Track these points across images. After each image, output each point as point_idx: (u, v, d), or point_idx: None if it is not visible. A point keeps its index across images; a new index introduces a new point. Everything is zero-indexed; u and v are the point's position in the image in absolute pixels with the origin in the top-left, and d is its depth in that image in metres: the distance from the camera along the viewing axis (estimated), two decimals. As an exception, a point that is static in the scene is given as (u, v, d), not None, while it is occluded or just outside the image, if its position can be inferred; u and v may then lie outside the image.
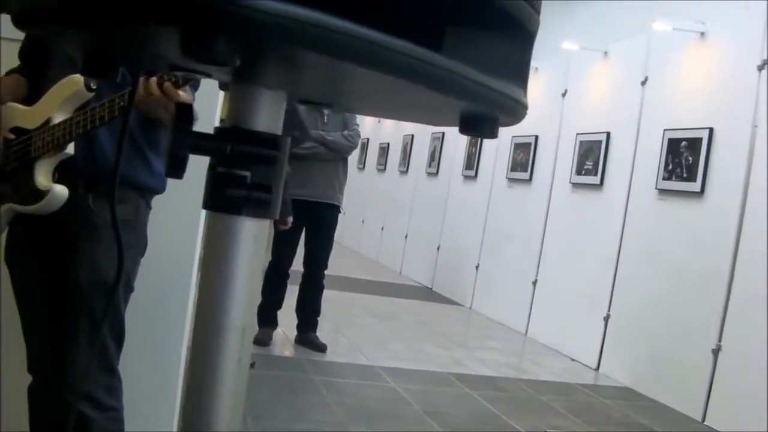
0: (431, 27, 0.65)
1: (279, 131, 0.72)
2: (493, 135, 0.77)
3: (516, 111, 0.77)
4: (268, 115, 0.71)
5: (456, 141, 11.39)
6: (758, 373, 5.44)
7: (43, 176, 2.38)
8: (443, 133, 11.88)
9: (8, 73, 2.60)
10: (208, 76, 0.75)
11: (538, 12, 0.76)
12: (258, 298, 0.75)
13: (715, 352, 5.85)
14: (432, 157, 12.32)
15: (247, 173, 0.70)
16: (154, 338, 3.08)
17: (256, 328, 6.37)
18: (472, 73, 0.68)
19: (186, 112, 0.64)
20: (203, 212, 3.58)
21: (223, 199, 0.71)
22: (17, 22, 0.67)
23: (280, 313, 6.50)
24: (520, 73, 0.77)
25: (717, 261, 5.97)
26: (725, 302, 5.86)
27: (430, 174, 12.36)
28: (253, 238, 0.72)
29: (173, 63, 0.74)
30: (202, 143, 0.70)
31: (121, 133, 1.06)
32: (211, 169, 0.71)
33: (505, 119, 0.78)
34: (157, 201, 2.64)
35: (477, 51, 0.69)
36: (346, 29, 0.56)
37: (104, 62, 0.73)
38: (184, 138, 0.70)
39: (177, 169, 0.70)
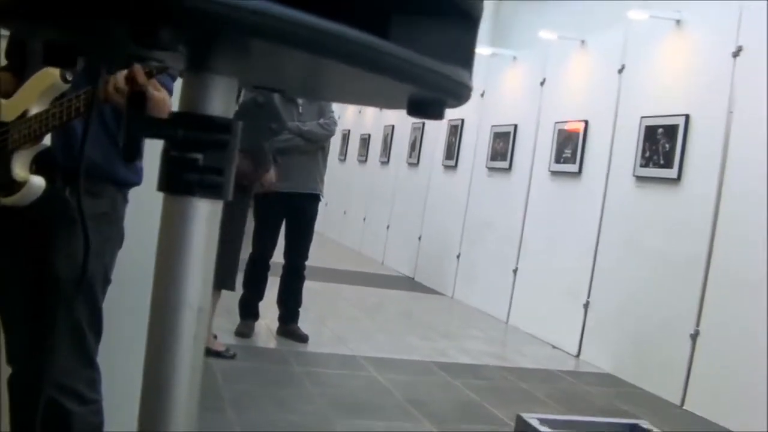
0: (377, 14, 0.67)
1: (230, 116, 0.75)
2: (439, 117, 0.80)
3: (461, 93, 0.80)
4: (220, 100, 0.73)
5: (437, 131, 11.42)
6: (736, 357, 5.51)
7: (20, 168, 2.39)
8: (423, 124, 11.91)
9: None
10: (162, 63, 0.77)
11: None
12: (211, 278, 0.77)
13: (694, 337, 5.91)
14: (413, 148, 12.35)
15: (199, 156, 0.72)
16: (131, 329, 3.09)
17: (240, 321, 6.40)
18: (419, 59, 0.71)
19: (139, 98, 0.66)
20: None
21: (176, 182, 0.73)
22: None
23: (261, 305, 6.52)
24: (465, 57, 0.80)
25: (694, 247, 6.03)
26: (703, 288, 5.92)
27: (410, 164, 12.39)
28: (206, 219, 0.74)
29: (128, 51, 0.77)
30: (154, 128, 0.73)
31: (85, 125, 1.08)
32: (165, 153, 0.74)
33: (452, 102, 0.81)
34: (133, 192, 2.65)
35: (423, 37, 0.72)
36: (288, 16, 0.59)
37: (63, 51, 0.75)
38: (137, 123, 0.72)
39: (131, 154, 0.72)
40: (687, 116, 6.33)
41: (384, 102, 0.92)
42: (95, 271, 2.43)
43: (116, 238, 2.58)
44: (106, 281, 2.57)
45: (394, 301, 9.43)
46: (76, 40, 0.73)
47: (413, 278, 11.40)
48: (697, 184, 6.17)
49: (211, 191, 0.73)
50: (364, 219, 14.06)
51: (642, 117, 6.83)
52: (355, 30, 0.64)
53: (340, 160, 15.93)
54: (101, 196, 2.47)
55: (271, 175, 5.97)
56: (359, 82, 0.75)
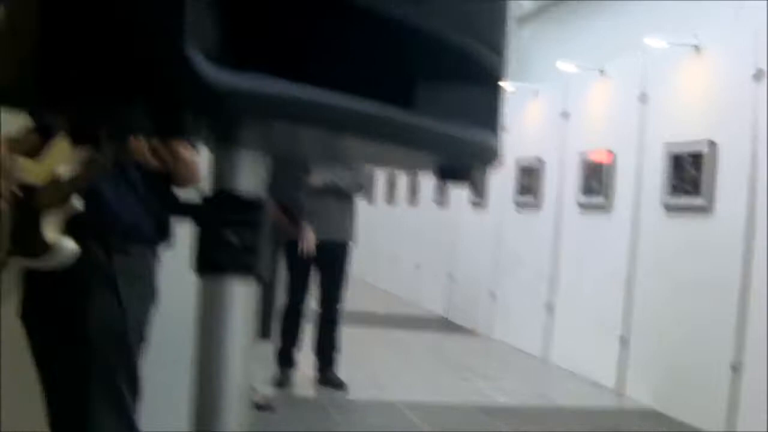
0: (401, 81, 0.68)
1: (261, 191, 0.76)
2: (467, 180, 0.80)
3: (487, 158, 0.81)
4: (249, 175, 0.75)
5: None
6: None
7: (50, 230, 2.42)
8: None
9: (29, 131, 2.64)
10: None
11: (501, 54, 0.80)
12: (249, 352, 0.78)
13: (735, 368, 5.80)
14: (440, 186, 12.34)
15: (233, 235, 0.73)
16: (168, 388, 3.09)
17: (277, 370, 6.39)
18: (443, 128, 0.72)
19: (166, 179, 0.67)
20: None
21: (210, 263, 0.74)
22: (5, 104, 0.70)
23: (298, 353, 6.50)
24: (491, 118, 0.81)
25: (729, 275, 5.94)
26: (741, 316, 5.82)
27: (439, 203, 12.38)
28: (242, 295, 0.75)
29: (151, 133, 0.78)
30: (184, 209, 0.74)
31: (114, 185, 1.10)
32: (198, 232, 0.75)
33: (478, 165, 0.81)
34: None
35: (447, 101, 0.72)
36: (308, 99, 0.60)
37: (87, 131, 0.77)
38: (168, 205, 0.73)
39: (164, 235, 0.74)
40: (712, 141, 6.29)
41: (411, 168, 0.93)
42: (130, 330, 2.45)
43: (150, 296, 2.60)
44: (142, 339, 2.59)
45: (429, 343, 9.38)
46: (95, 122, 0.74)
47: (447, 318, 11.33)
48: (727, 209, 6.11)
49: (245, 270, 0.74)
50: (394, 260, 14.03)
51: (666, 143, 6.80)
52: (376, 104, 0.65)
53: (369, 201, 15.89)
54: (133, 255, 2.49)
55: (308, 230, 6.00)
56: (385, 152, 0.76)
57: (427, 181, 12.89)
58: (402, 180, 14.34)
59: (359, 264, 13.36)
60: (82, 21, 0.57)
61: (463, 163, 0.78)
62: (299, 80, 0.60)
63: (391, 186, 14.99)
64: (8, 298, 2.58)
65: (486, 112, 0.80)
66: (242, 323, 0.75)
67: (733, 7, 6.46)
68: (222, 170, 0.74)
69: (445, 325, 10.91)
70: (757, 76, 5.90)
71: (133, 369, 2.53)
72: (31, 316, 2.56)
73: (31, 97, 0.63)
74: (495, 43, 0.80)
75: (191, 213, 0.74)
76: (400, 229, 14.02)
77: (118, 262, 2.07)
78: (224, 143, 0.73)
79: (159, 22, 0.55)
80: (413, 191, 13.65)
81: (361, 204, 6.92)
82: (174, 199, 0.66)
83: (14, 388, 2.68)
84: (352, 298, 7.92)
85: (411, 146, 0.69)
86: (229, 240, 0.73)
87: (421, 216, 13.08)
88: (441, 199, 12.25)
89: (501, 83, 0.82)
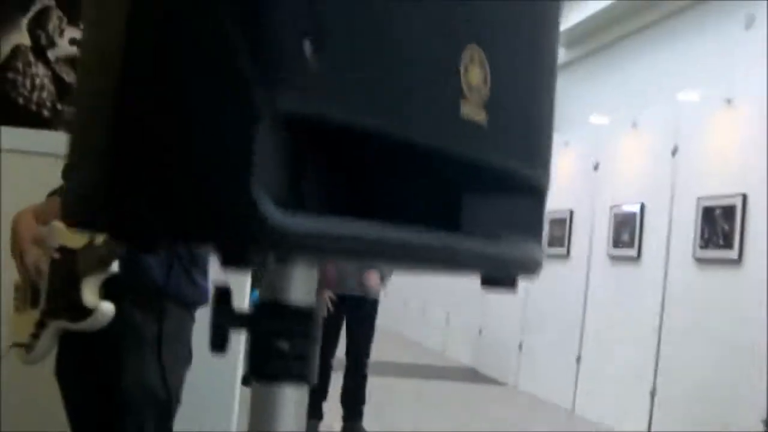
0: (449, 210, 0.72)
1: (312, 302, 0.78)
2: (513, 288, 0.83)
3: (530, 268, 0.83)
4: (301, 288, 0.77)
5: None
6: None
7: (89, 294, 2.44)
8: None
9: (51, 194, 2.68)
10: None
11: (545, 167, 0.83)
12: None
13: (766, 423, 5.75)
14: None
15: (285, 345, 0.75)
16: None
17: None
18: (487, 248, 0.75)
19: (224, 294, 0.70)
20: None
21: (264, 371, 0.77)
22: (71, 224, 0.73)
23: (325, 405, 6.50)
24: (533, 229, 0.84)
25: (760, 330, 5.89)
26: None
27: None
28: (294, 403, 0.77)
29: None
30: (239, 320, 0.76)
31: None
32: (250, 341, 0.77)
33: (522, 275, 0.84)
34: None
35: (492, 220, 0.75)
36: (368, 237, 0.63)
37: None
38: (224, 316, 0.76)
39: (220, 345, 0.76)
40: (744, 195, 6.27)
41: (459, 275, 0.97)
42: (166, 392, 2.46)
43: (185, 358, 2.61)
44: (176, 401, 2.60)
45: (457, 394, 9.33)
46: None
47: (475, 369, 11.27)
48: (759, 263, 6.07)
49: (298, 378, 0.76)
50: (423, 310, 14.01)
51: (698, 198, 6.78)
52: (426, 232, 0.68)
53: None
54: (169, 317, 2.51)
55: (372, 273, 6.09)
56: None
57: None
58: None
59: (387, 313, 13.39)
60: (157, 156, 0.61)
61: (505, 277, 0.81)
62: (359, 218, 0.64)
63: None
64: (46, 356, 2.61)
65: (532, 222, 0.83)
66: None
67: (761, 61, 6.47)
68: (275, 282, 0.77)
69: (473, 376, 10.85)
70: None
71: (166, 430, 2.55)
72: (67, 374, 2.59)
73: (98, 224, 0.66)
74: (538, 158, 0.83)
75: (244, 322, 0.76)
76: (429, 280, 14.01)
77: (155, 323, 2.09)
78: (280, 260, 0.76)
79: (229, 166, 0.58)
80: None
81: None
82: (229, 309, 0.67)
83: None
84: (380, 348, 7.93)
85: (458, 268, 0.73)
86: (281, 349, 0.75)
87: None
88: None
89: (545, 195, 0.85)
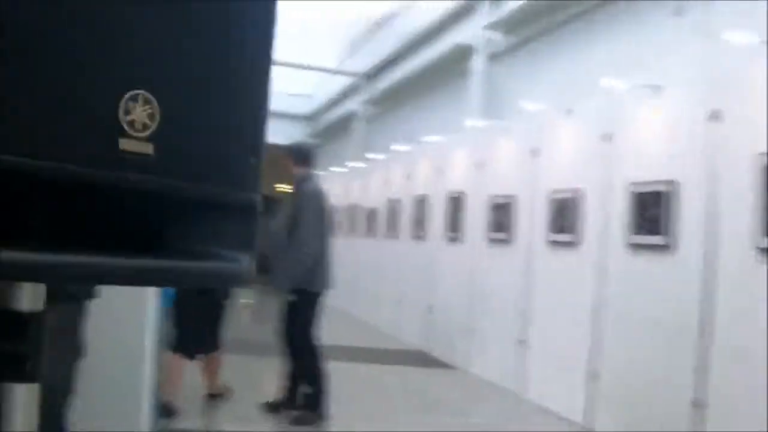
0: (149, 236, 0.93)
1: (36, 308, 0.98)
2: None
3: (236, 282, 1.07)
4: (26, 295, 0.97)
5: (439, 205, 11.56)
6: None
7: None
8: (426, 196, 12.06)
9: None
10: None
11: (253, 190, 1.04)
12: None
13: (696, 404, 5.90)
14: (418, 221, 12.49)
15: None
16: None
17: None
18: (192, 266, 0.99)
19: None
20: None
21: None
22: None
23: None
24: (242, 242, 1.05)
25: (688, 313, 6.07)
26: (699, 354, 5.94)
27: (416, 237, 12.52)
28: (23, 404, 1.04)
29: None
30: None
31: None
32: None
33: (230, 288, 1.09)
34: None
35: (199, 240, 1.00)
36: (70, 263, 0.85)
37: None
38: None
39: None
40: (673, 182, 6.43)
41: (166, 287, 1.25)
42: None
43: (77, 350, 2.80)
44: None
45: (406, 378, 9.49)
46: None
47: (426, 352, 11.41)
48: (690, 249, 6.23)
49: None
50: (376, 294, 14.15)
51: (630, 184, 6.94)
52: (128, 256, 0.91)
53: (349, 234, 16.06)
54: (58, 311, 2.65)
55: None
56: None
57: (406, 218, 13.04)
58: (382, 216, 14.48)
59: (341, 296, 13.49)
60: None
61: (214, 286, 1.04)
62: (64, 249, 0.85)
63: (371, 221, 15.15)
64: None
65: (239, 236, 1.04)
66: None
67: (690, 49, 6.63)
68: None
69: (423, 359, 10.99)
70: (714, 116, 6.03)
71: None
72: None
73: None
74: (243, 183, 1.05)
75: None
76: (379, 263, 14.17)
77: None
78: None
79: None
80: (393, 226, 13.80)
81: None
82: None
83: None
84: (334, 331, 8.03)
85: (156, 284, 0.96)
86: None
87: (400, 250, 13.23)
88: (419, 234, 12.39)
89: (254, 214, 1.04)
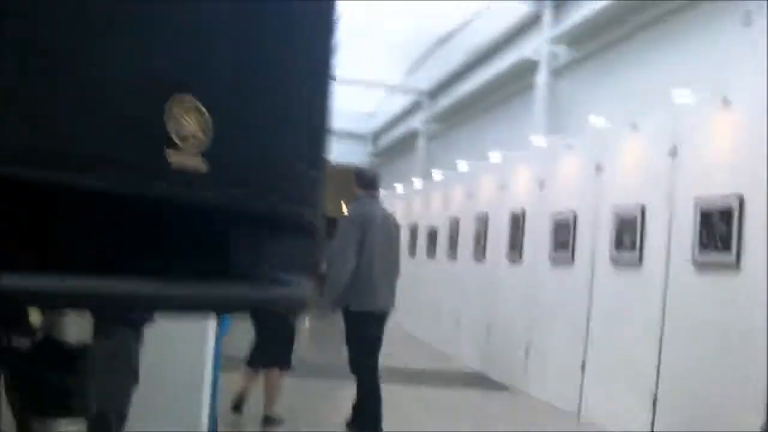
0: (214, 257, 0.76)
1: (84, 340, 0.81)
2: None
3: (294, 309, 0.88)
4: (73, 328, 0.81)
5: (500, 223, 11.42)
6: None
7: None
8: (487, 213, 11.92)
9: None
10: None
11: (315, 206, 0.85)
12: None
13: None
14: (477, 241, 12.33)
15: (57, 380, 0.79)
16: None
17: None
18: (251, 292, 0.82)
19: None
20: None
21: (34, 404, 0.80)
22: None
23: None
24: (300, 264, 0.87)
25: (757, 335, 5.84)
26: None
27: (477, 259, 12.36)
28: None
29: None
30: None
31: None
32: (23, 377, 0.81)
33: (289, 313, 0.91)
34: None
35: (248, 260, 0.79)
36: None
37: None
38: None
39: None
40: (741, 197, 6.22)
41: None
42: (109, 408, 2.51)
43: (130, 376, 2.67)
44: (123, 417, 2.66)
45: (464, 400, 9.34)
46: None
47: (483, 372, 11.23)
48: (756, 266, 6.01)
49: (66, 412, 0.80)
50: (436, 313, 14.01)
51: (696, 198, 6.73)
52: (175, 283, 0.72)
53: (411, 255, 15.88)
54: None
55: None
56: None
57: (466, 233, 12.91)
58: (443, 235, 14.36)
59: (402, 316, 13.41)
60: None
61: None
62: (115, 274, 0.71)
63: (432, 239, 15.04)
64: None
65: (298, 259, 0.86)
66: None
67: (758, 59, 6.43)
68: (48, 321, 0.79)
69: (480, 381, 10.83)
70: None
71: None
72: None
73: None
74: (303, 198, 0.85)
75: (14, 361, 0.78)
76: (439, 283, 14.05)
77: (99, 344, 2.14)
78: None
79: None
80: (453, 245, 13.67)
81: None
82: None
83: None
84: (391, 351, 7.94)
85: (219, 312, 0.79)
86: (53, 384, 0.77)
87: (460, 270, 13.09)
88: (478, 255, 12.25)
89: (315, 232, 0.86)
